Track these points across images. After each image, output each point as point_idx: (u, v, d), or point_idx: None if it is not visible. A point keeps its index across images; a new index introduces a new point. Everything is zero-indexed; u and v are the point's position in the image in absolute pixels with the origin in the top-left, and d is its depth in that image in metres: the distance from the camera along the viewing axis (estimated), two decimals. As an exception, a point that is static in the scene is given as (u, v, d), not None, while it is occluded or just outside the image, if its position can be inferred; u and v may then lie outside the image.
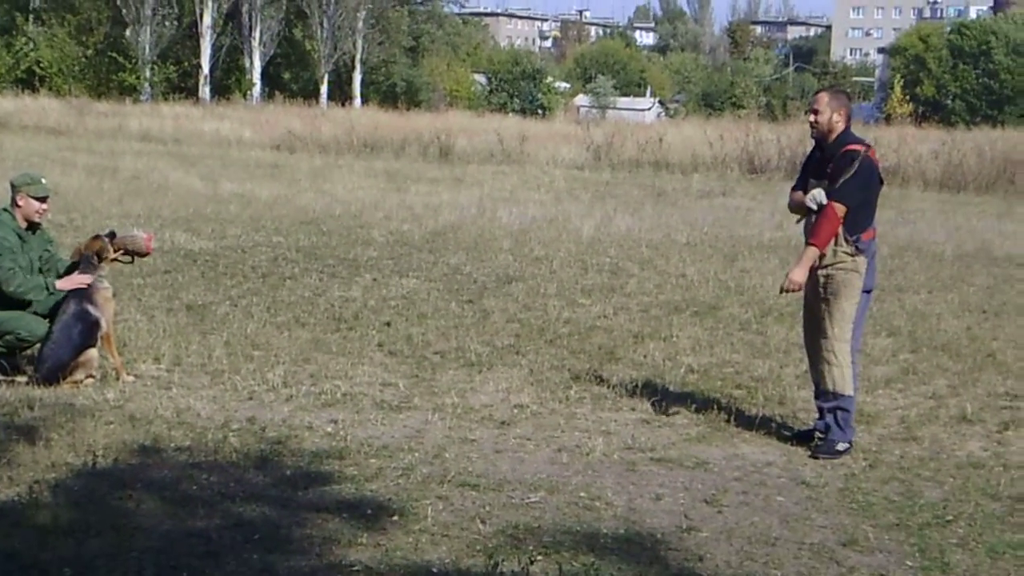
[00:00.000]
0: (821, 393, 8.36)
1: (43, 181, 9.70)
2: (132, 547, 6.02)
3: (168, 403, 8.76)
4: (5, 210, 9.54)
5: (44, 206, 9.60)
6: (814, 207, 8.18)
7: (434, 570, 5.95)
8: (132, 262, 10.07)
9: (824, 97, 8.34)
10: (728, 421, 8.87)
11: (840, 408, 8.26)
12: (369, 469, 7.52)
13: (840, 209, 8.06)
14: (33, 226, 9.57)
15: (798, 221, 8.53)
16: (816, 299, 8.29)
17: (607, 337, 11.88)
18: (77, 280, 9.33)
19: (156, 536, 6.22)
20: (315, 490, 7.07)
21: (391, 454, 7.85)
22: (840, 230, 8.13)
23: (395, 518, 6.65)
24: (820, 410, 8.40)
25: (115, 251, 9.65)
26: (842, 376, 8.24)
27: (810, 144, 8.61)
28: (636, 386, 9.88)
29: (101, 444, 7.64)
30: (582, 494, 7.24)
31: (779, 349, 11.45)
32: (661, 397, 9.49)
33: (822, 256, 8.17)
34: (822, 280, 8.22)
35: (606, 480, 7.55)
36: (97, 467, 7.26)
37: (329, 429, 8.35)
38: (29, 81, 62.12)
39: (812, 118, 8.34)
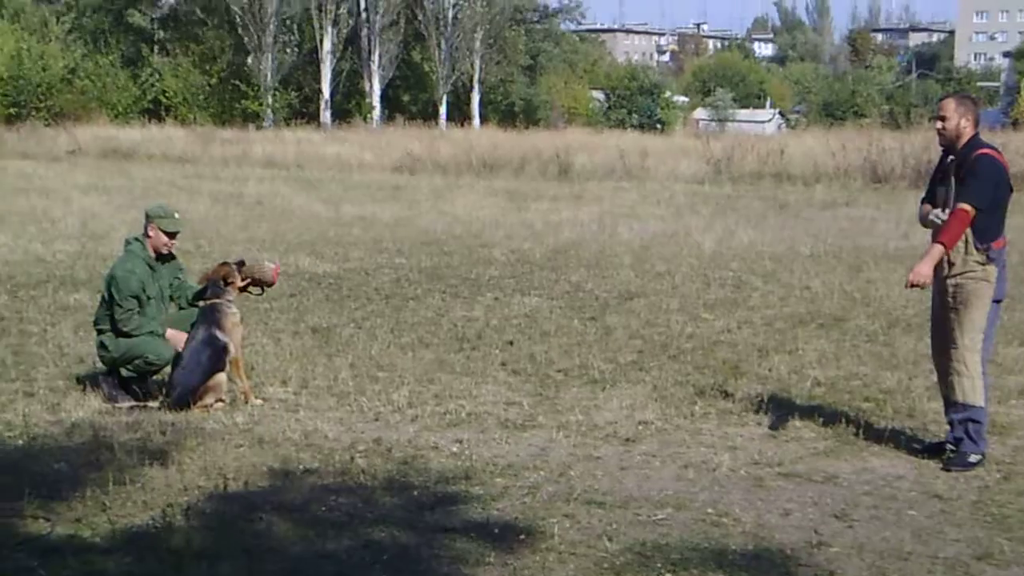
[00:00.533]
0: (951, 404, 8.20)
1: (176, 216, 9.83)
2: (263, 570, 6.10)
3: (296, 425, 8.86)
4: (137, 239, 9.72)
5: (173, 241, 9.77)
6: (939, 222, 8.04)
7: (562, 589, 5.94)
8: (262, 293, 10.19)
9: (951, 103, 8.20)
10: (857, 434, 8.74)
11: (971, 420, 8.10)
12: (495, 488, 7.53)
13: (969, 210, 7.88)
14: (163, 256, 9.74)
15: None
16: (945, 309, 8.14)
17: (731, 351, 11.79)
18: (182, 337, 9.52)
19: (287, 558, 6.28)
20: (442, 510, 7.10)
21: (516, 473, 7.86)
22: (970, 238, 7.97)
23: (522, 537, 6.65)
24: (951, 422, 8.24)
25: (243, 280, 9.76)
26: (972, 387, 8.08)
27: (937, 152, 8.48)
28: (762, 400, 9.79)
29: (231, 467, 7.74)
30: (709, 510, 7.18)
31: (908, 360, 11.27)
32: (787, 411, 9.38)
33: (951, 265, 8.02)
34: (951, 289, 8.06)
35: (733, 496, 7.49)
36: (228, 490, 7.36)
37: (454, 449, 8.39)
38: (155, 111, 63.31)
39: (939, 125, 8.20)
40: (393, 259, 18.04)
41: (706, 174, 35.11)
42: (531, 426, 9.07)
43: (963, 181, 7.98)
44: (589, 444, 8.60)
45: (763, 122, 78.48)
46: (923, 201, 8.43)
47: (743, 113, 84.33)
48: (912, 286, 7.99)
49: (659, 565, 6.18)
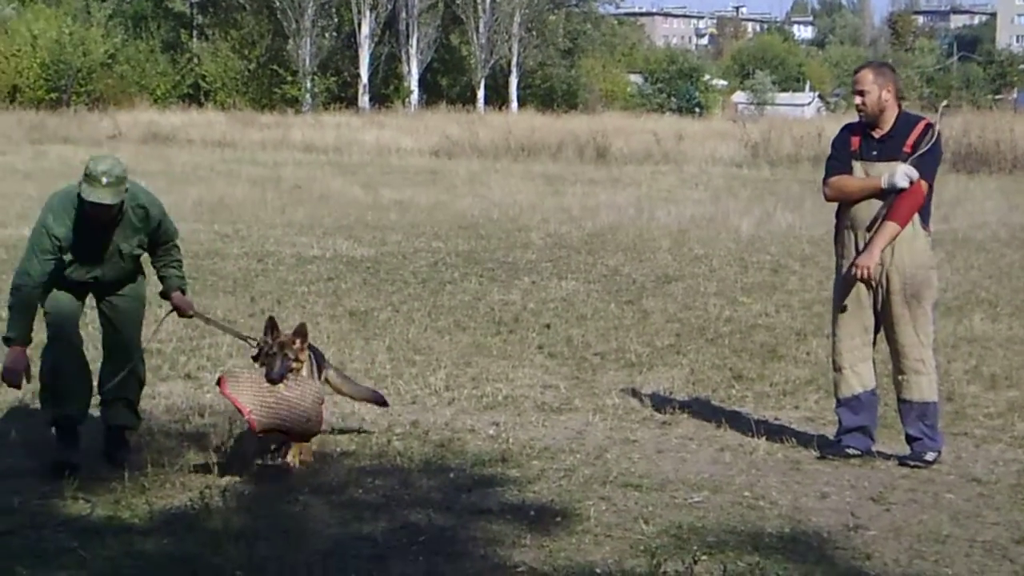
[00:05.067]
0: (905, 403, 7.84)
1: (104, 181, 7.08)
2: (301, 550, 6.13)
3: (333, 408, 8.86)
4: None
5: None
6: (905, 184, 7.53)
7: (598, 570, 5.95)
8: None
9: (868, 75, 7.67)
10: (895, 417, 8.69)
11: (927, 416, 7.79)
12: (531, 471, 7.55)
13: (925, 187, 7.57)
14: None
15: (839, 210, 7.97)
16: (892, 304, 7.73)
17: (769, 335, 11.76)
18: None
19: (324, 540, 6.32)
20: (479, 492, 7.12)
21: (553, 456, 7.87)
22: (917, 220, 7.65)
23: (558, 519, 6.66)
24: (905, 420, 7.88)
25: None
26: (930, 384, 7.79)
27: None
28: (799, 384, 9.78)
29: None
30: (746, 493, 7.18)
31: (946, 344, 11.19)
32: (825, 394, 9.35)
33: (893, 252, 7.61)
34: (899, 281, 7.66)
35: (770, 479, 7.48)
36: (265, 472, 7.40)
37: (491, 432, 8.41)
38: (194, 96, 63.56)
39: (859, 100, 7.68)
40: (430, 243, 18.07)
41: (744, 158, 34.99)
42: (568, 409, 9.08)
43: (920, 155, 7.57)
44: (626, 427, 8.60)
45: (802, 105, 78.16)
46: (836, 173, 7.86)
47: (782, 97, 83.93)
48: (863, 280, 7.62)
49: (695, 548, 6.18)
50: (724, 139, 38.43)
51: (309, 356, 7.54)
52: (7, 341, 7.27)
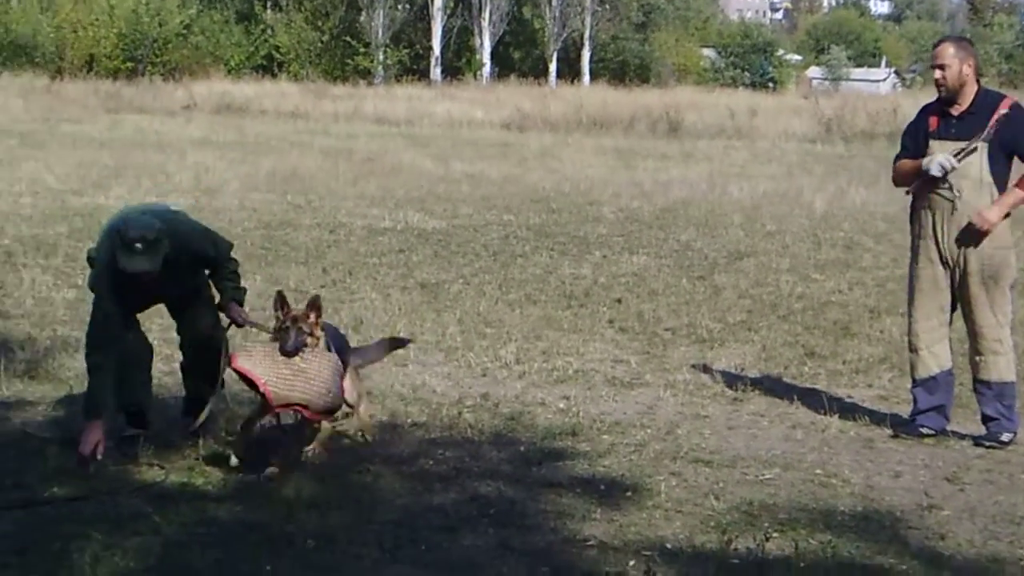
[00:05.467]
0: (982, 383, 7.76)
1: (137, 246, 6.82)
2: (372, 520, 6.16)
3: (404, 380, 8.92)
4: None
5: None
6: (937, 173, 7.47)
7: (668, 545, 5.93)
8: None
9: (949, 48, 7.54)
10: (970, 396, 8.59)
11: (1005, 397, 7.70)
12: (602, 445, 7.54)
13: None
14: None
15: (908, 192, 7.91)
16: (969, 285, 7.65)
17: (842, 312, 11.67)
18: None
19: (394, 510, 6.35)
20: (548, 466, 7.12)
21: (623, 430, 7.86)
22: (996, 195, 7.52)
23: (628, 494, 6.65)
24: (981, 400, 7.81)
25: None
26: (1008, 364, 7.69)
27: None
28: (872, 362, 9.71)
29: (341, 420, 7.81)
30: (818, 471, 7.13)
31: None
32: (899, 373, 9.27)
33: (983, 233, 7.50)
34: (980, 261, 7.57)
35: (843, 457, 7.43)
36: (338, 443, 7.44)
37: (561, 405, 8.40)
38: (268, 67, 63.82)
39: (939, 75, 7.55)
40: (502, 216, 18.06)
41: (818, 133, 34.68)
42: (638, 384, 9.07)
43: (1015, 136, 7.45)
44: (696, 402, 8.58)
45: (878, 81, 77.33)
46: (899, 158, 7.91)
47: (857, 72, 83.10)
48: (980, 231, 7.46)
49: (766, 524, 6.15)
50: (798, 114, 38.12)
51: (326, 337, 7.07)
52: (86, 414, 6.96)
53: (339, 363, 6.97)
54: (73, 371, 8.64)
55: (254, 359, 6.81)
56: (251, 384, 6.82)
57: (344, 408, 7.34)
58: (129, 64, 58.01)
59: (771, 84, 73.25)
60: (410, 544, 5.89)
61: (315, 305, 6.97)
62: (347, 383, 7.16)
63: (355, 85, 54.83)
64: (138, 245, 6.73)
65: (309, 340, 6.85)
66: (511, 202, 19.60)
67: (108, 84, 48.00)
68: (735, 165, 27.03)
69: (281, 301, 6.99)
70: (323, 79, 58.17)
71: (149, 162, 23.44)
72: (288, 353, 6.75)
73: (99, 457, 6.83)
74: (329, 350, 7.00)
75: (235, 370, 6.83)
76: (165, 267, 6.89)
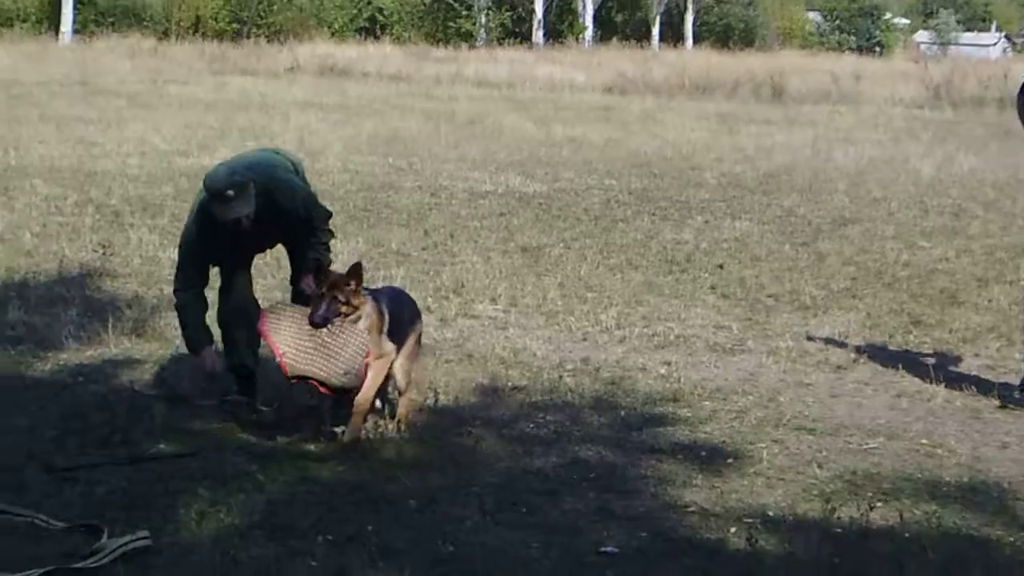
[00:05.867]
0: None
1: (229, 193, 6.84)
2: (473, 482, 6.19)
3: (505, 343, 8.93)
4: None
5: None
6: None
7: (770, 513, 5.90)
8: None
9: None
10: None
11: None
12: (703, 411, 7.51)
13: None
14: None
15: None
16: None
17: (949, 281, 11.50)
18: None
19: (495, 472, 6.37)
20: (649, 431, 7.11)
21: (725, 397, 7.82)
22: None
23: (729, 461, 6.62)
24: None
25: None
26: None
27: None
28: (980, 331, 9.56)
29: (441, 382, 7.84)
30: (923, 441, 7.05)
31: None
32: (1007, 343, 9.12)
33: None
34: None
35: (948, 427, 7.33)
36: (438, 405, 7.47)
37: (662, 371, 8.37)
38: (371, 29, 64.04)
39: None
40: (603, 180, 17.99)
41: (925, 99, 34.12)
42: (740, 350, 9.01)
43: None
44: (799, 370, 8.50)
45: (988, 46, 75.87)
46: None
47: (967, 36, 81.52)
48: None
49: (870, 494, 6.09)
50: (905, 79, 37.54)
51: (376, 308, 6.75)
52: (192, 351, 7.27)
53: (365, 343, 6.61)
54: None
55: (280, 324, 6.61)
56: (271, 349, 6.71)
57: (392, 387, 7.18)
58: (235, 26, 58.46)
59: (877, 48, 72.12)
60: (510, 507, 5.91)
61: (356, 272, 6.65)
62: (399, 363, 6.97)
63: (456, 48, 54.83)
64: (229, 192, 6.69)
65: (344, 308, 6.57)
66: (612, 166, 19.51)
67: (214, 46, 48.37)
68: (840, 130, 26.67)
69: (318, 271, 6.73)
70: (425, 42, 58.24)
71: (254, 124, 23.62)
72: (316, 324, 6.51)
73: (219, 369, 7.20)
74: (382, 316, 6.77)
75: (260, 332, 6.75)
76: (276, 214, 6.93)
